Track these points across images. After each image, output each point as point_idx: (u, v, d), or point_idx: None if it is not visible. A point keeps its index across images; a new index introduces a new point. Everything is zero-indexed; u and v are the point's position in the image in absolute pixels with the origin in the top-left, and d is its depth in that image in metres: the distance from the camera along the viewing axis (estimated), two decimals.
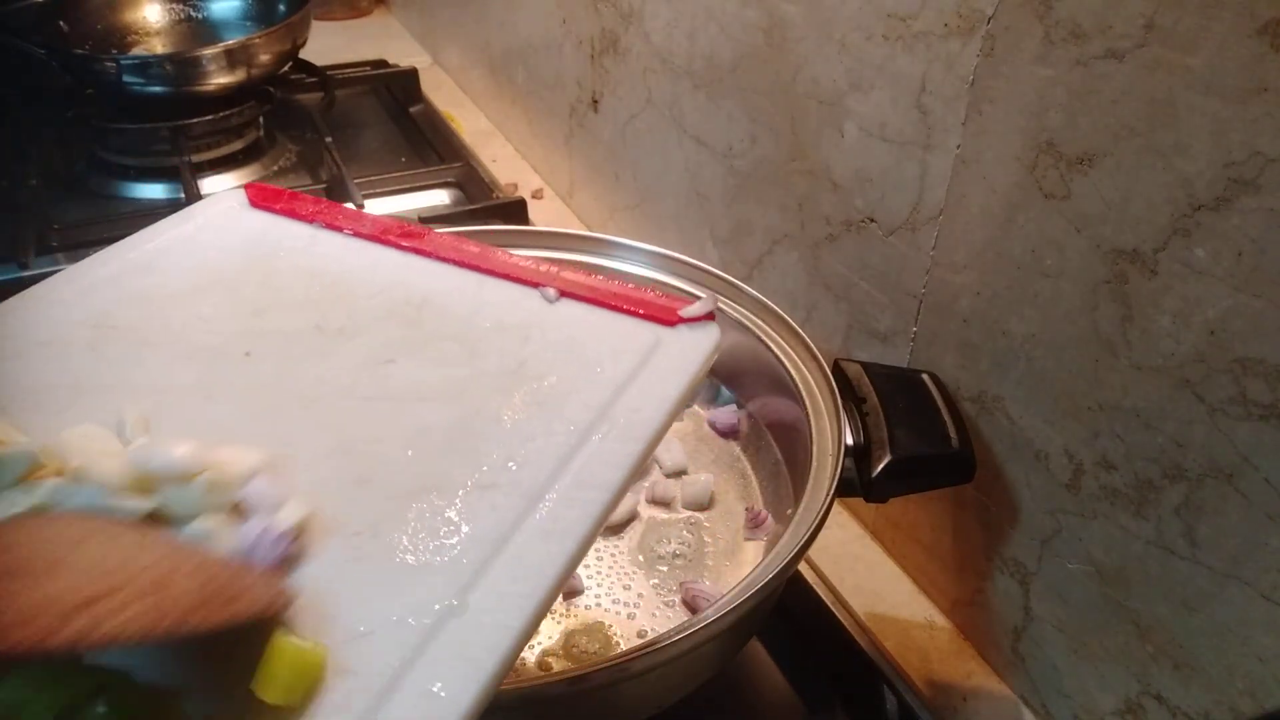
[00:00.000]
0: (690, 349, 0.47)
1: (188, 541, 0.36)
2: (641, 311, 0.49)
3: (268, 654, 0.31)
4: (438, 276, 0.52)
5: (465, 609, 0.34)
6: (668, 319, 0.49)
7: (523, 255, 0.54)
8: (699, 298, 0.50)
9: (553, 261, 0.53)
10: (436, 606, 0.34)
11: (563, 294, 0.50)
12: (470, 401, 0.44)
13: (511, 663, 0.33)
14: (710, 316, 0.49)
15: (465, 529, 0.37)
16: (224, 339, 0.48)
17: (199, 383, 0.46)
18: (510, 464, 0.40)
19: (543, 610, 0.35)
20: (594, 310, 0.50)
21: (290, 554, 0.37)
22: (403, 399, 0.43)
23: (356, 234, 0.55)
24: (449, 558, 0.36)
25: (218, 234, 0.55)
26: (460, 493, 0.39)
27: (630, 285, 0.51)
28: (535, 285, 0.51)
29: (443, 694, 0.32)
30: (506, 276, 0.52)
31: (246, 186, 0.59)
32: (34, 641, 0.29)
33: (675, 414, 0.44)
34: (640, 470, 0.42)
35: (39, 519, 0.36)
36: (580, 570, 0.59)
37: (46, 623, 0.30)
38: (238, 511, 0.38)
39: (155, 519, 0.37)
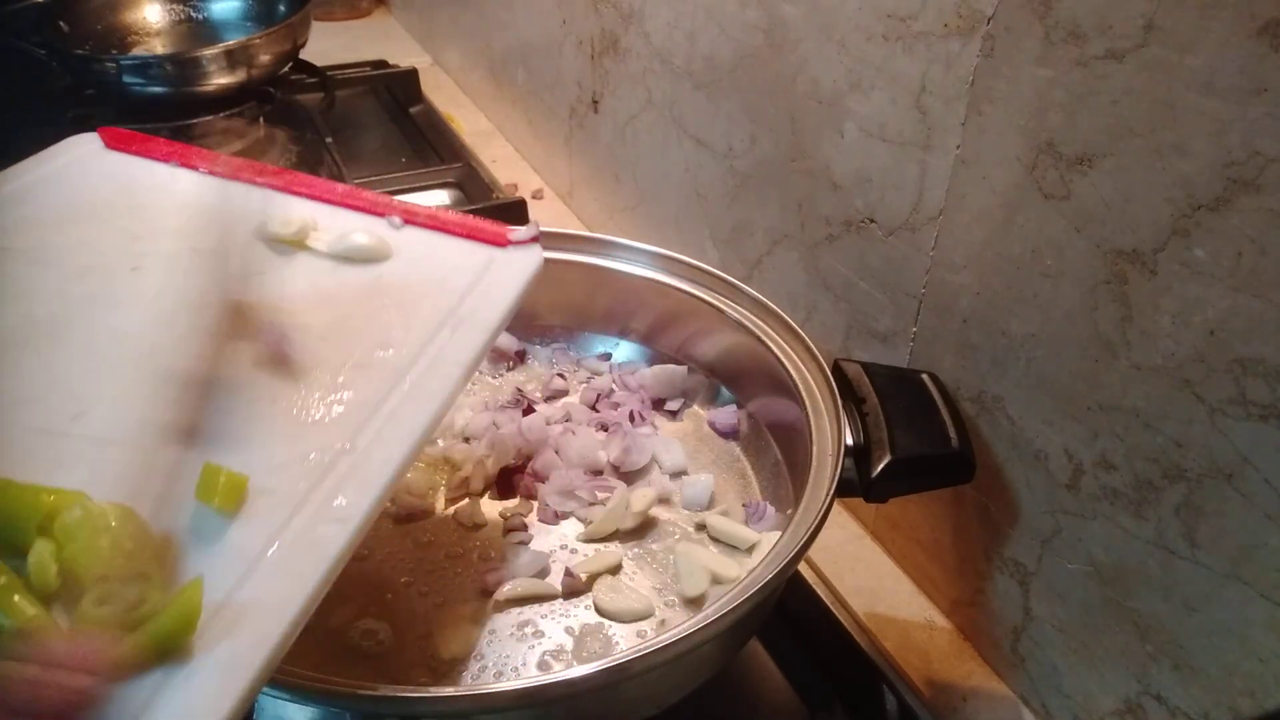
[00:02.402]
0: (519, 265, 0.55)
1: None
2: (476, 235, 0.56)
3: (202, 477, 0.41)
4: (294, 208, 0.57)
5: (355, 450, 0.44)
6: (499, 241, 0.56)
7: (369, 189, 0.60)
8: (526, 224, 0.58)
9: (393, 194, 0.61)
10: (334, 447, 0.44)
11: (407, 221, 0.57)
12: (339, 306, 0.52)
13: (394, 487, 0.43)
14: (535, 239, 0.56)
15: (349, 395, 0.47)
16: (109, 259, 0.54)
17: (97, 294, 0.52)
18: (378, 350, 0.49)
19: (416, 450, 0.45)
20: (435, 235, 0.57)
21: None
22: (279, 304, 0.50)
23: (213, 173, 0.59)
24: (339, 414, 0.46)
25: (81, 173, 0.59)
26: (343, 370, 0.48)
27: (464, 214, 0.58)
28: (381, 214, 0.57)
29: (344, 504, 0.42)
30: (356, 208, 0.58)
31: (100, 130, 0.61)
32: None
33: (509, 315, 0.53)
34: (484, 354, 0.51)
35: None
36: (580, 570, 0.59)
37: None
38: None
39: None
